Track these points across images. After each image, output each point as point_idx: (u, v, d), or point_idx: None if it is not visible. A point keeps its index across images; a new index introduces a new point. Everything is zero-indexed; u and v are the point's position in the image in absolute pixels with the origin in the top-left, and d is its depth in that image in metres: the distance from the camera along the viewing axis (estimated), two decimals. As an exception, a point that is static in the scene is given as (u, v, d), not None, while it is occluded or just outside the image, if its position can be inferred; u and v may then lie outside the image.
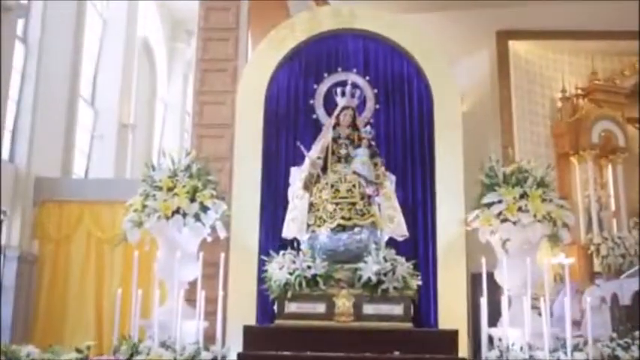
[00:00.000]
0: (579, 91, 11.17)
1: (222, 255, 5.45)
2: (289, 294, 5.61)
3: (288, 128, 6.85)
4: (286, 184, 6.56)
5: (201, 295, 5.18)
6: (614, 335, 5.84)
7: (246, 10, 7.70)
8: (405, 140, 6.87)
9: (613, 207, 10.97)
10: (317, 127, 6.61)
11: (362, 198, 6.03)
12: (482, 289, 5.34)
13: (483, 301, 5.26)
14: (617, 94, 11.33)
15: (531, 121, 11.12)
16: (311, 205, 6.14)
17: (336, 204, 6.00)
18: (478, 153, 6.76)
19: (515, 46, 10.96)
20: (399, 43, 6.99)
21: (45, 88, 8.34)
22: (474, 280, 6.38)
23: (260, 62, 6.99)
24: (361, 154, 6.15)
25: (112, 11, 11.17)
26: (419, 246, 6.59)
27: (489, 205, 5.96)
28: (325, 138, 6.29)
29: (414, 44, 6.99)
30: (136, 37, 11.74)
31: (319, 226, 6.00)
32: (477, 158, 6.54)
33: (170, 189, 5.89)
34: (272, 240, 6.47)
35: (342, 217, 5.94)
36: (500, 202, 5.92)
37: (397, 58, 7.02)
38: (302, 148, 6.19)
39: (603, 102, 11.24)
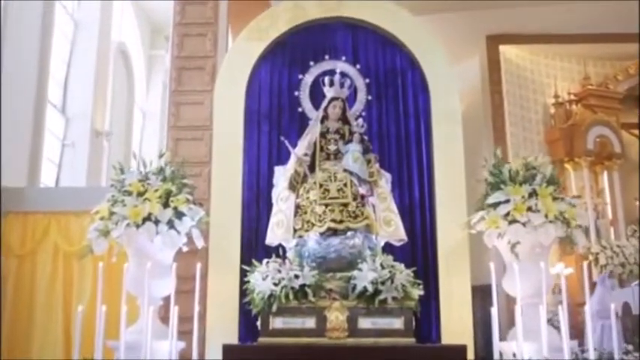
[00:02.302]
0: (572, 97, 10.82)
1: (198, 265, 4.87)
2: (274, 307, 5.00)
3: (271, 125, 6.28)
4: (270, 187, 5.97)
5: (174, 312, 4.57)
6: (630, 348, 5.34)
7: (225, 3, 7.24)
8: (399, 137, 6.31)
9: (610, 215, 10.58)
10: (303, 123, 6.00)
11: (355, 198, 5.43)
12: (492, 299, 4.74)
13: (494, 312, 4.66)
14: (611, 99, 10.98)
15: (524, 127, 10.80)
16: (297, 207, 5.54)
17: (326, 205, 5.39)
18: (470, 160, 6.30)
19: (506, 50, 10.65)
20: (390, 32, 6.44)
21: (8, 92, 7.73)
22: (473, 292, 5.92)
23: (240, 55, 6.43)
24: (352, 150, 5.58)
25: (84, 12, 10.58)
26: (417, 252, 6.01)
27: (495, 205, 5.35)
28: (312, 133, 5.71)
29: (406, 33, 6.44)
30: (110, 41, 11.17)
31: (307, 230, 5.41)
32: (469, 165, 6.17)
33: (141, 194, 5.31)
34: (255, 248, 5.90)
35: (333, 220, 5.34)
36: (507, 201, 5.31)
37: (389, 49, 6.47)
38: (286, 143, 5.61)
39: (597, 107, 10.87)
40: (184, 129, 6.78)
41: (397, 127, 6.35)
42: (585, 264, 5.09)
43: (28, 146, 8.23)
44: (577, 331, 6.19)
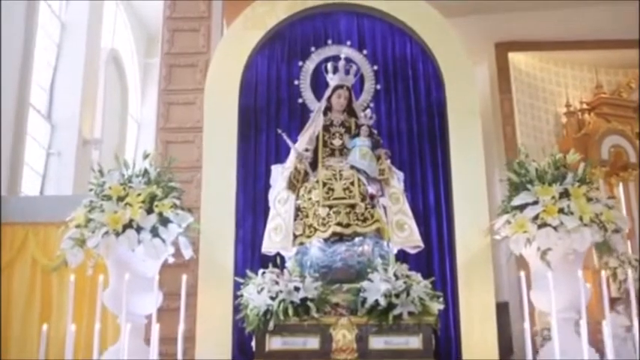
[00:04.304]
0: (584, 106, 10.41)
1: (184, 277, 4.31)
2: (271, 325, 4.41)
3: (269, 122, 5.72)
4: (267, 190, 5.40)
5: (154, 331, 4.03)
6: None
7: (220, -4, 6.79)
8: (411, 134, 5.75)
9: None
10: (304, 116, 5.46)
11: (363, 199, 4.83)
12: (524, 313, 4.21)
13: (526, 327, 4.11)
14: (625, 107, 10.53)
15: (536, 137, 10.42)
16: (298, 210, 4.95)
17: (330, 207, 4.79)
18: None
19: (515, 58, 10.33)
20: (399, 19, 5.87)
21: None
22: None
23: (233, 45, 5.87)
24: (360, 145, 5.01)
25: (72, 14, 9.98)
26: (433, 262, 5.43)
27: (521, 207, 4.76)
28: (314, 126, 5.15)
29: (417, 19, 5.87)
30: (100, 46, 10.58)
31: (309, 236, 4.82)
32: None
33: (121, 198, 4.76)
34: (252, 259, 5.34)
35: (339, 224, 4.74)
36: (535, 202, 4.73)
37: (398, 37, 5.91)
38: (285, 136, 5.04)
39: (611, 116, 10.42)
40: (174, 131, 6.34)
41: (408, 124, 5.80)
42: (630, 273, 4.51)
43: (7, 153, 7.66)
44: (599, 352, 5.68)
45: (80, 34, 9.92)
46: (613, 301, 8.69)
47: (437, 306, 4.54)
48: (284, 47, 5.88)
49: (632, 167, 10.06)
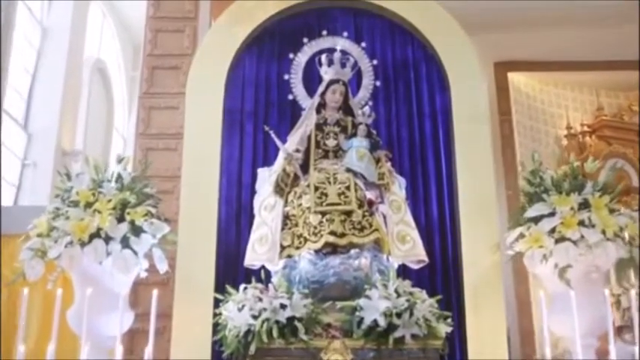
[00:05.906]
0: (585, 128, 10.23)
1: (155, 292, 3.74)
2: (252, 348, 3.88)
3: (257, 126, 5.22)
4: (253, 198, 4.89)
5: (118, 353, 3.53)
6: None
7: (208, -5, 6.45)
8: (413, 142, 5.29)
9: (630, 253, 9.78)
10: (295, 115, 4.98)
11: (360, 205, 4.32)
12: (544, 337, 3.67)
13: (547, 353, 3.59)
14: (627, 130, 10.29)
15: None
16: (286, 217, 4.45)
17: (323, 214, 4.28)
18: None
19: (515, 78, 10.13)
20: (399, 15, 5.43)
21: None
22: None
23: (218, 43, 5.41)
24: (357, 145, 4.52)
25: (54, 20, 9.56)
26: (436, 280, 4.93)
27: (536, 220, 4.30)
28: (306, 124, 4.66)
29: (419, 16, 5.43)
30: (83, 53, 10.13)
31: (298, 247, 4.31)
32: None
33: (90, 204, 4.29)
34: (235, 276, 4.80)
35: (332, 233, 4.22)
36: (552, 214, 4.28)
37: (399, 36, 5.46)
38: (272, 134, 4.55)
39: (612, 139, 10.21)
40: (155, 137, 6.00)
41: (410, 131, 5.34)
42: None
43: (-24, 162, 7.22)
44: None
45: (62, 41, 9.49)
46: (619, 330, 8.35)
47: (445, 328, 4.04)
48: (274, 44, 5.42)
49: (635, 191, 9.83)
